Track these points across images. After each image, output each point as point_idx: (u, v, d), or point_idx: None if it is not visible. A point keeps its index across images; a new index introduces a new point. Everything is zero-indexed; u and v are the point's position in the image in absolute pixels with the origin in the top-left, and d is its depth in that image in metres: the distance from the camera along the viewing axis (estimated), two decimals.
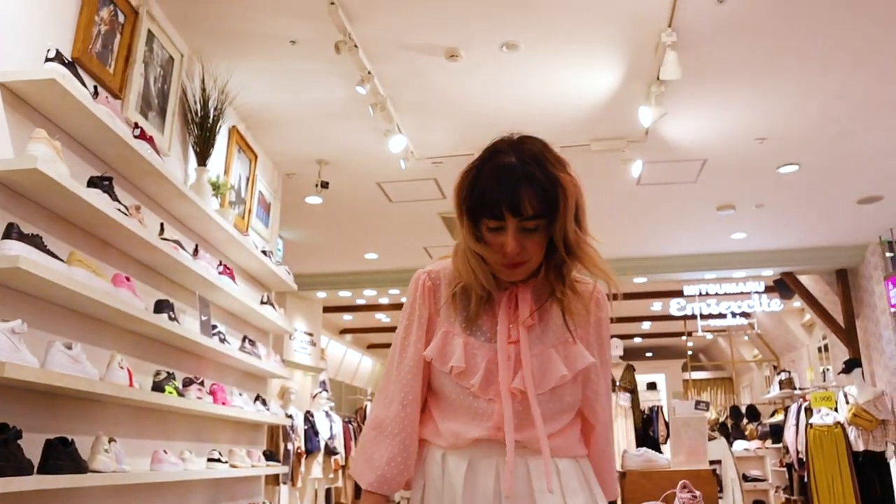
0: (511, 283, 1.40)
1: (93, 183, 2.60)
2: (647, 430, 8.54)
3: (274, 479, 6.96)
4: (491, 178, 1.29)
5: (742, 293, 9.20)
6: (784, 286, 8.59)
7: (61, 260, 2.39)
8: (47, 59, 2.43)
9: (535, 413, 1.32)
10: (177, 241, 3.25)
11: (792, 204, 6.37)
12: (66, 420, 2.62)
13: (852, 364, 7.23)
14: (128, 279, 2.79)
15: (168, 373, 3.17)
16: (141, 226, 2.87)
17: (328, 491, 8.73)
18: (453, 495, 1.36)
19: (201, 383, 3.49)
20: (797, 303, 9.56)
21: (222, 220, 3.75)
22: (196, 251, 3.53)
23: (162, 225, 3.26)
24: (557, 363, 1.37)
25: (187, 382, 3.38)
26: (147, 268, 3.25)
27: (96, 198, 2.54)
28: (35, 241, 2.26)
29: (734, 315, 9.64)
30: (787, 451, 8.00)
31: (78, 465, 2.43)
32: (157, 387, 3.07)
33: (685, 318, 10.33)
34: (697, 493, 2.84)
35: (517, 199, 1.27)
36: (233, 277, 3.92)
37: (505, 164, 1.29)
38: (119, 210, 2.69)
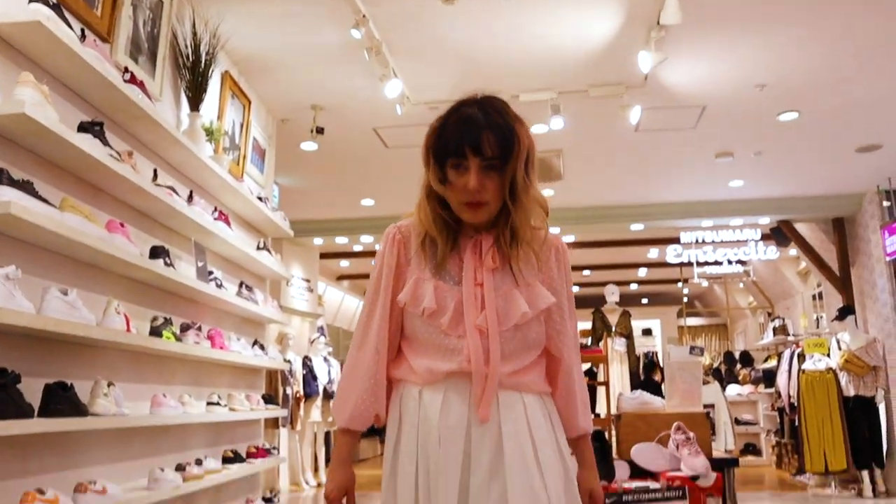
0: (476, 232, 1.54)
1: (83, 128, 2.58)
2: (650, 376, 8.65)
3: (273, 423, 7.08)
4: (456, 126, 1.48)
5: (738, 241, 9.21)
6: (780, 234, 8.60)
7: (53, 206, 2.38)
8: (31, 1, 2.37)
9: (494, 347, 1.47)
10: (170, 188, 3.24)
11: (791, 151, 6.33)
12: (64, 365, 2.65)
13: (846, 311, 7.29)
14: (122, 225, 2.79)
15: (165, 318, 3.19)
16: (134, 172, 2.85)
17: (327, 434, 8.90)
18: (428, 426, 1.49)
19: (199, 328, 3.51)
20: (793, 251, 9.58)
21: (217, 166, 3.73)
22: (190, 197, 3.51)
23: (155, 171, 3.23)
24: (520, 302, 1.51)
25: (185, 328, 3.41)
26: (141, 214, 3.25)
27: (87, 143, 2.52)
28: (26, 187, 2.24)
29: (730, 262, 9.68)
30: (779, 396, 8.13)
31: (78, 409, 2.46)
32: (155, 332, 3.09)
33: (681, 265, 10.37)
34: (691, 434, 2.89)
35: (479, 140, 1.45)
36: (228, 223, 3.92)
37: (469, 114, 1.48)
38: (111, 156, 2.67)
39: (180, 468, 3.21)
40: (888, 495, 6.85)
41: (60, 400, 2.39)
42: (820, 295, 9.68)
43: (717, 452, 3.20)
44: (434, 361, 1.51)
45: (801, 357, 7.52)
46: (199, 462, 3.40)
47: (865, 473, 6.93)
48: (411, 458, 1.51)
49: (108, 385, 2.66)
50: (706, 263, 9.80)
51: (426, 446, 1.49)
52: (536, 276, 1.55)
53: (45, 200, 2.31)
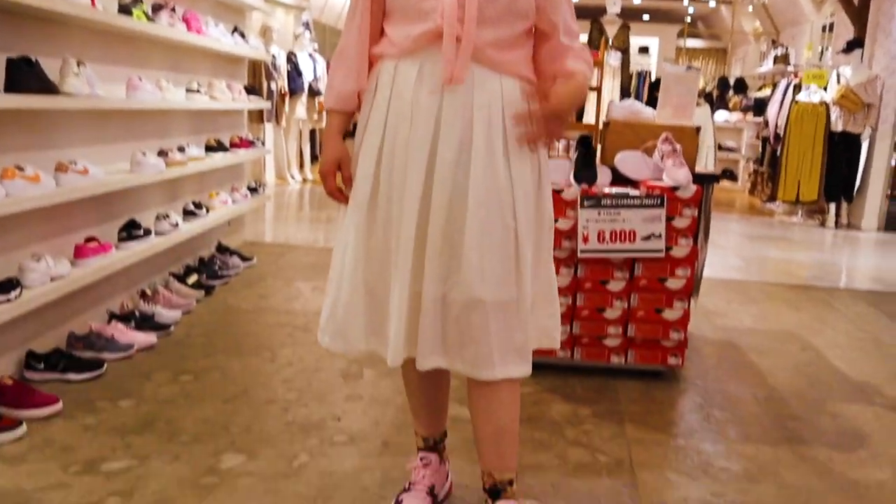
0: None
1: None
2: (654, 93, 8.50)
3: (258, 117, 7.03)
4: None
5: None
6: None
7: None
8: None
9: (471, 4, 1.39)
10: None
11: None
12: (25, 40, 2.47)
13: (854, 44, 7.02)
14: None
15: None
16: None
17: (312, 132, 8.90)
18: (401, 101, 1.47)
19: (172, 10, 3.27)
20: None
21: None
22: None
23: None
24: None
25: (157, 7, 3.17)
26: None
27: None
28: None
29: None
30: (766, 125, 8.13)
31: (48, 87, 2.35)
32: (124, 9, 2.87)
33: None
34: (678, 146, 2.83)
35: None
36: None
37: None
38: None
39: (162, 154, 3.18)
40: (848, 227, 7.18)
41: (26, 76, 2.26)
42: (831, 26, 9.25)
43: (699, 169, 3.17)
44: (411, 26, 1.46)
45: (797, 89, 7.39)
46: (181, 149, 3.37)
47: (832, 206, 7.19)
48: (377, 131, 1.51)
49: (78, 64, 2.51)
50: None
51: (396, 120, 1.48)
52: None
53: None
